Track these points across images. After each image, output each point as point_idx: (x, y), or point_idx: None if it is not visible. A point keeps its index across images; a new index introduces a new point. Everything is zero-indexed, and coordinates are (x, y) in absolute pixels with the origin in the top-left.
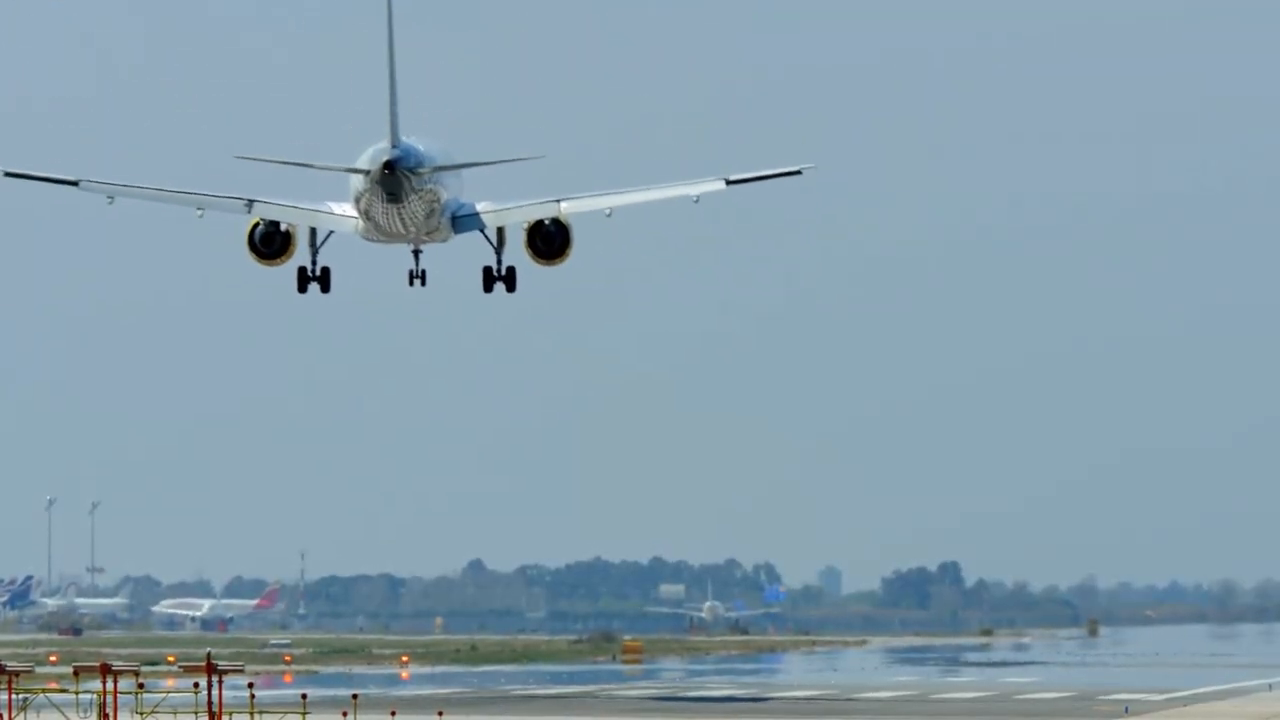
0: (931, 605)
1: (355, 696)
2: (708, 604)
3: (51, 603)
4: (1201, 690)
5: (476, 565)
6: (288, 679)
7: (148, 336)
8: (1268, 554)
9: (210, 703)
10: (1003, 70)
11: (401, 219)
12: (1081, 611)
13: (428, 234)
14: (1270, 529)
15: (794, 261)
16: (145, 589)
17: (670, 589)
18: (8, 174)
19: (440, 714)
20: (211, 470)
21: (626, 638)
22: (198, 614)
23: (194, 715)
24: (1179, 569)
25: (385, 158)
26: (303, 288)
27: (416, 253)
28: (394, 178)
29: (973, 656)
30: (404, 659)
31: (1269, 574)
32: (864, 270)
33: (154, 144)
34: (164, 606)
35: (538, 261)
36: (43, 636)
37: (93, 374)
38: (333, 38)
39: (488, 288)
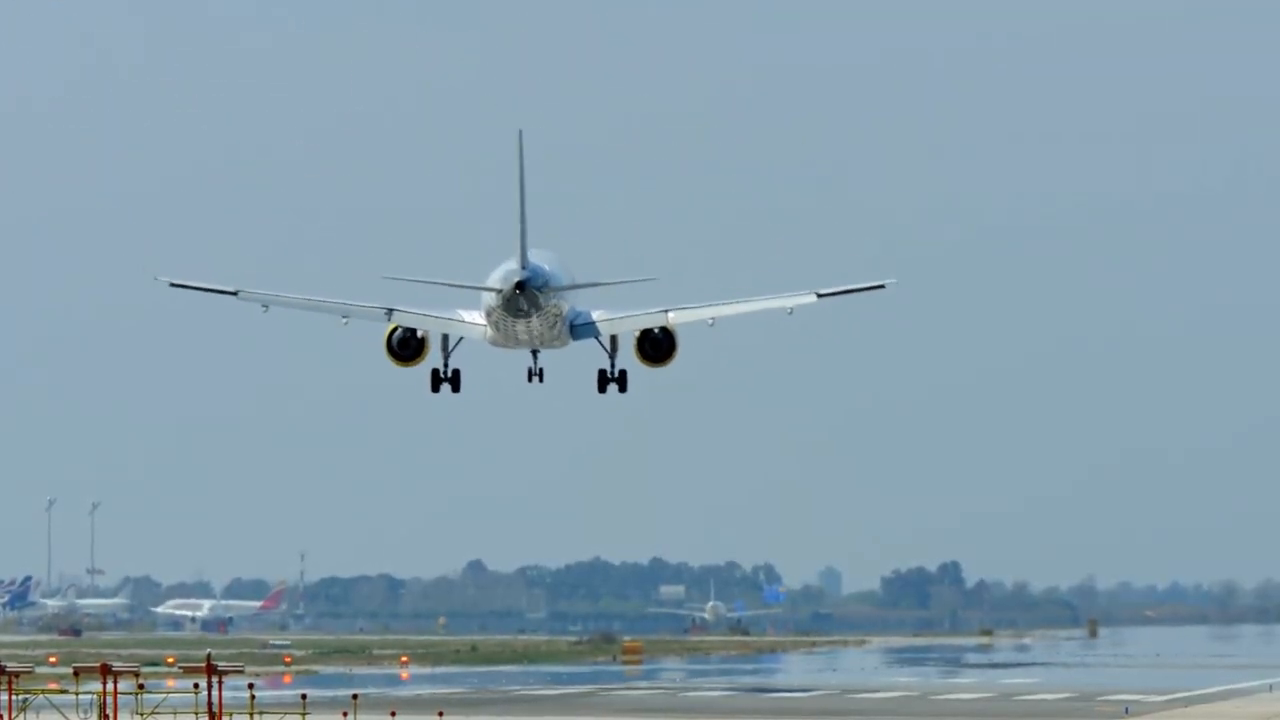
0: (932, 605)
1: (355, 697)
2: (710, 604)
3: (51, 603)
4: (1202, 691)
5: (477, 566)
6: (288, 680)
7: (147, 339)
8: (1268, 555)
9: (210, 703)
10: (1003, 70)
11: (528, 330)
12: (1082, 612)
13: (549, 341)
14: (1271, 530)
15: (785, 256)
16: (145, 590)
17: (670, 590)
18: (172, 284)
19: (440, 714)
20: (211, 472)
21: (626, 638)
22: (197, 614)
23: (194, 716)
24: (1179, 570)
25: (516, 279)
26: (435, 387)
27: (535, 352)
28: (523, 296)
29: (973, 657)
30: (404, 659)
31: (1269, 575)
32: (861, 270)
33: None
34: (167, 607)
35: (646, 364)
36: (43, 637)
37: (92, 376)
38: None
39: (601, 388)
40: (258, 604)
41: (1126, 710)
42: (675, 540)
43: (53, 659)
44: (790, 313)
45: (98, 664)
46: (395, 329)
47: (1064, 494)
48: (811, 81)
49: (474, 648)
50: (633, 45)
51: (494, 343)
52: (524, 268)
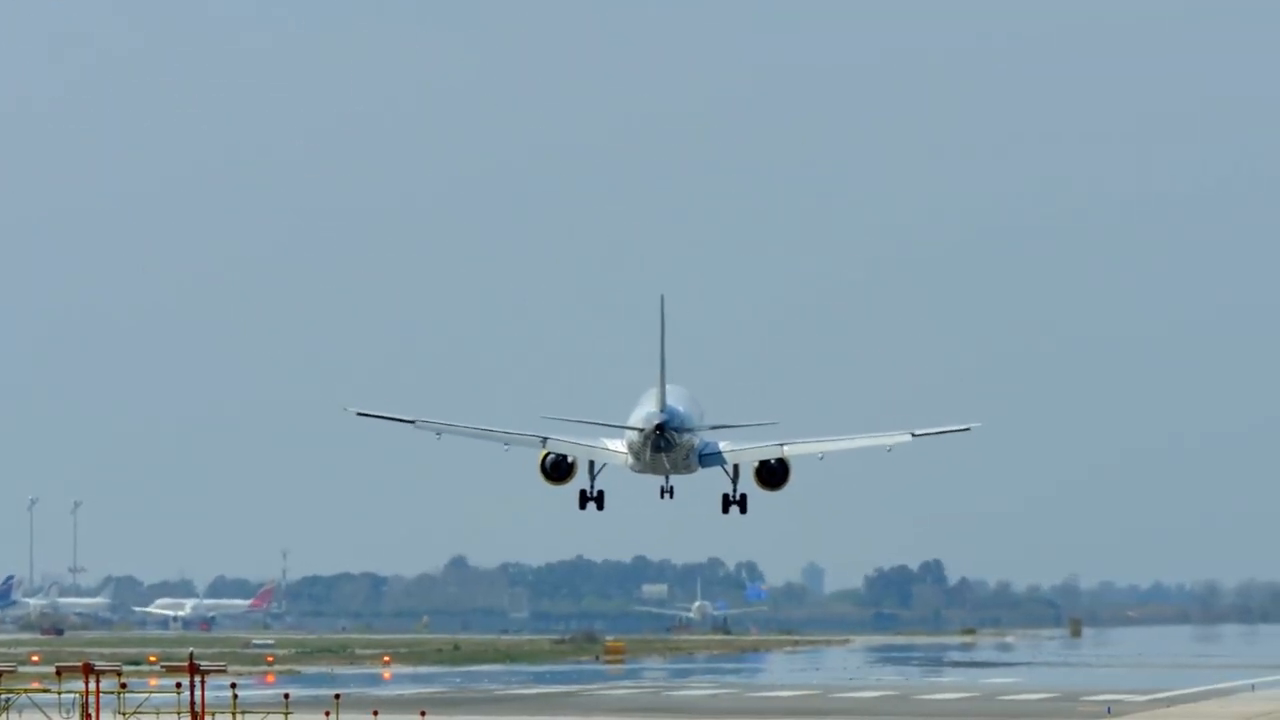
0: (914, 604)
1: (338, 697)
2: (697, 603)
3: (33, 603)
4: (1184, 691)
5: (459, 563)
6: (270, 679)
7: (129, 338)
8: (1250, 555)
9: (192, 703)
10: (1003, 70)
11: (664, 462)
12: (1064, 611)
13: (681, 469)
14: (1253, 530)
15: (784, 257)
16: (127, 589)
17: (653, 588)
18: (359, 414)
19: (423, 714)
20: (193, 470)
21: (609, 638)
22: (179, 613)
23: (176, 715)
24: (1162, 569)
25: (656, 421)
26: (583, 505)
27: (667, 476)
28: (662, 436)
29: (955, 656)
30: (386, 659)
31: (1251, 575)
32: (852, 269)
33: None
34: (157, 606)
35: (763, 488)
36: (25, 636)
37: (74, 374)
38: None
39: (725, 509)
40: (247, 603)
41: (1109, 710)
42: (658, 538)
43: (35, 658)
44: (889, 450)
45: (80, 663)
46: (548, 454)
47: (1047, 493)
48: (812, 82)
49: (456, 647)
50: (651, 55)
51: (634, 469)
52: (663, 410)
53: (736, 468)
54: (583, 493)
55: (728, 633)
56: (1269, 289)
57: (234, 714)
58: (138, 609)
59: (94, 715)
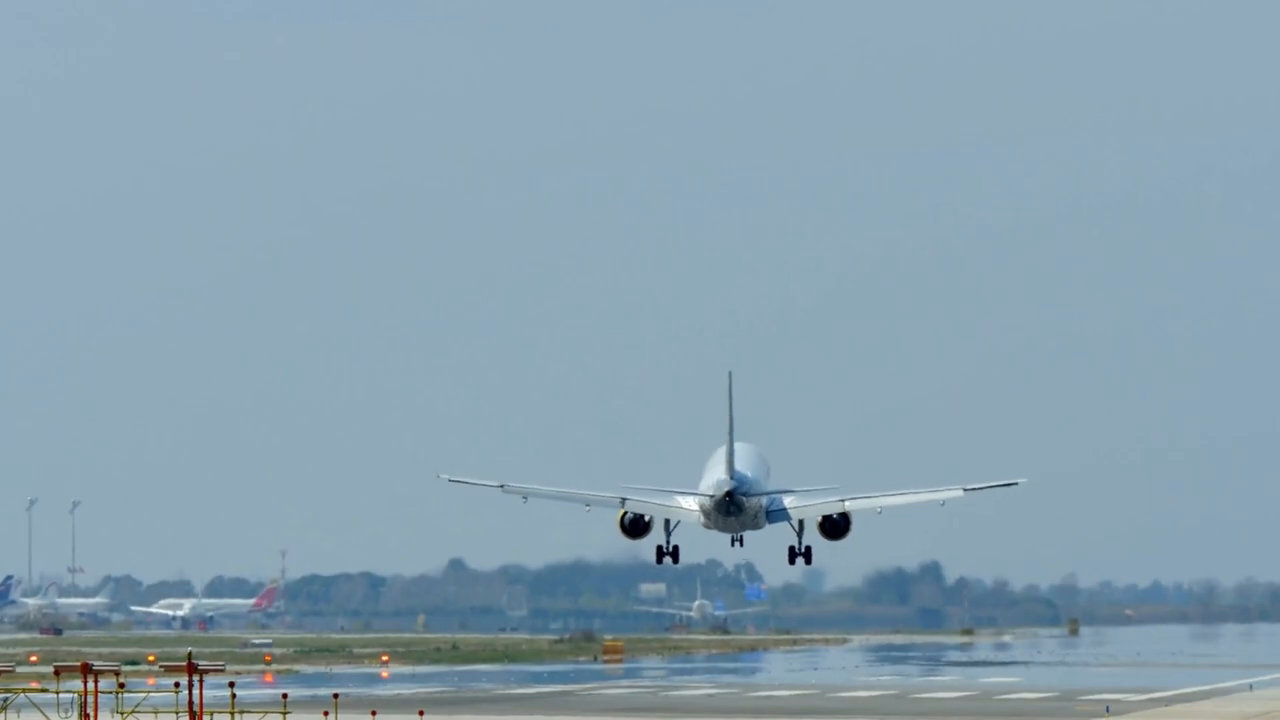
0: (912, 603)
1: (336, 696)
2: (697, 603)
3: (32, 602)
4: (1182, 690)
5: (458, 564)
6: (268, 678)
7: (128, 338)
8: (1248, 554)
9: (191, 702)
10: (1002, 70)
11: (735, 523)
12: (1062, 611)
13: (750, 527)
14: (1251, 529)
15: (774, 263)
16: (126, 589)
17: (651, 588)
18: (450, 480)
19: (421, 714)
20: (192, 470)
21: (607, 637)
22: (178, 613)
23: (175, 715)
24: (1160, 569)
25: (726, 489)
26: (659, 560)
27: (737, 531)
28: (731, 501)
29: (954, 655)
30: (385, 658)
31: (1250, 574)
32: (846, 270)
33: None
34: (160, 606)
35: (826, 539)
36: (23, 636)
37: (73, 375)
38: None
39: (791, 560)
40: (250, 602)
41: (1107, 709)
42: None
43: (33, 658)
44: (942, 504)
45: (79, 663)
46: (626, 514)
47: (1045, 492)
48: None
49: (455, 646)
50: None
51: (706, 526)
52: (732, 478)
53: (801, 522)
54: (659, 548)
55: (726, 632)
56: (1270, 291)
57: (232, 713)
58: (136, 608)
59: (92, 715)
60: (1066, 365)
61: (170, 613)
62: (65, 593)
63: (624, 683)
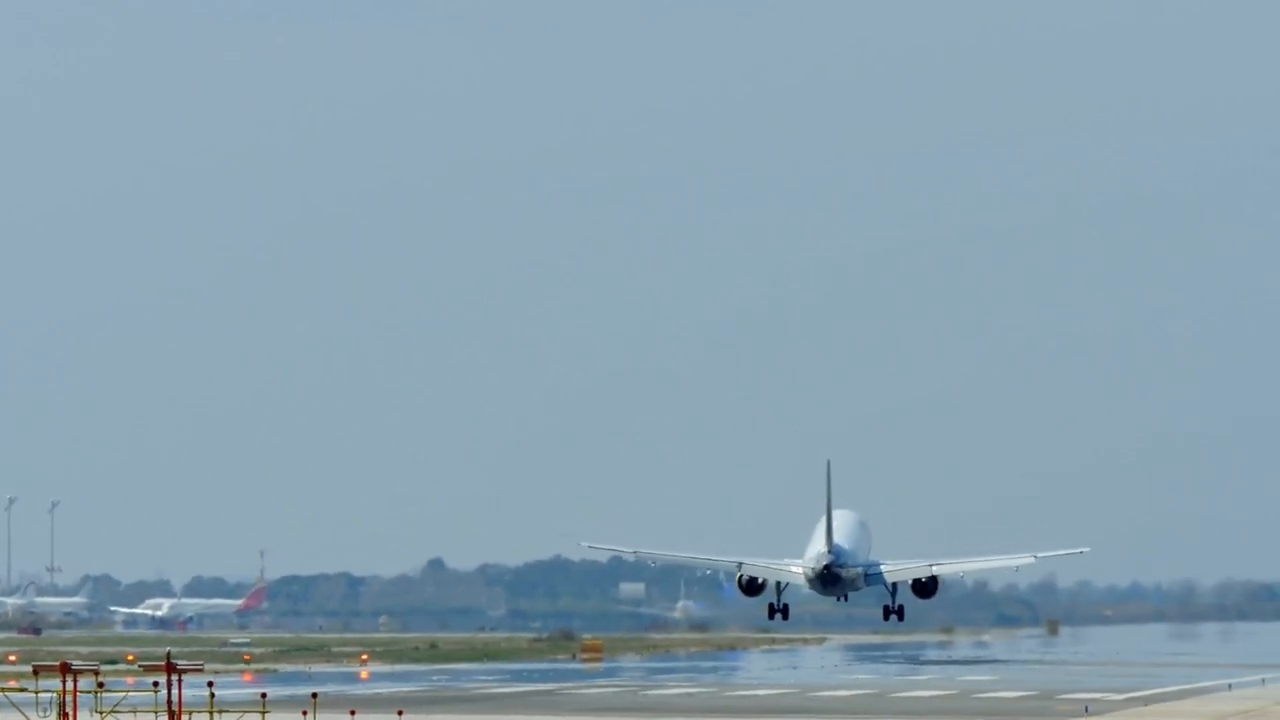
0: (852, 595)
1: (315, 696)
2: (681, 603)
3: (11, 602)
4: (1162, 690)
5: (437, 564)
6: (248, 678)
7: (106, 337)
8: (1228, 554)
9: (170, 702)
10: (1001, 70)
11: (835, 588)
12: (1041, 610)
13: (850, 590)
14: (1231, 529)
15: (761, 257)
16: (105, 588)
17: (630, 587)
18: (590, 546)
19: (400, 713)
20: (171, 469)
21: (586, 636)
22: (158, 613)
23: (154, 714)
24: (1139, 568)
25: (825, 562)
26: (771, 616)
27: (838, 594)
28: (830, 571)
29: (933, 654)
30: (364, 657)
31: (1229, 574)
32: (828, 274)
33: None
34: (145, 607)
35: (918, 598)
36: (2, 635)
37: (52, 373)
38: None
39: (885, 618)
40: (236, 602)
41: (1086, 709)
42: (635, 538)
43: (12, 657)
44: (1016, 570)
45: (58, 662)
46: (742, 576)
47: (1024, 493)
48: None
49: (434, 645)
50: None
51: (811, 590)
52: (830, 551)
53: (895, 585)
54: (771, 605)
55: (704, 631)
56: (1260, 291)
57: (211, 713)
58: (115, 608)
59: (71, 714)
60: (1047, 367)
61: (151, 612)
62: (44, 592)
63: (603, 681)
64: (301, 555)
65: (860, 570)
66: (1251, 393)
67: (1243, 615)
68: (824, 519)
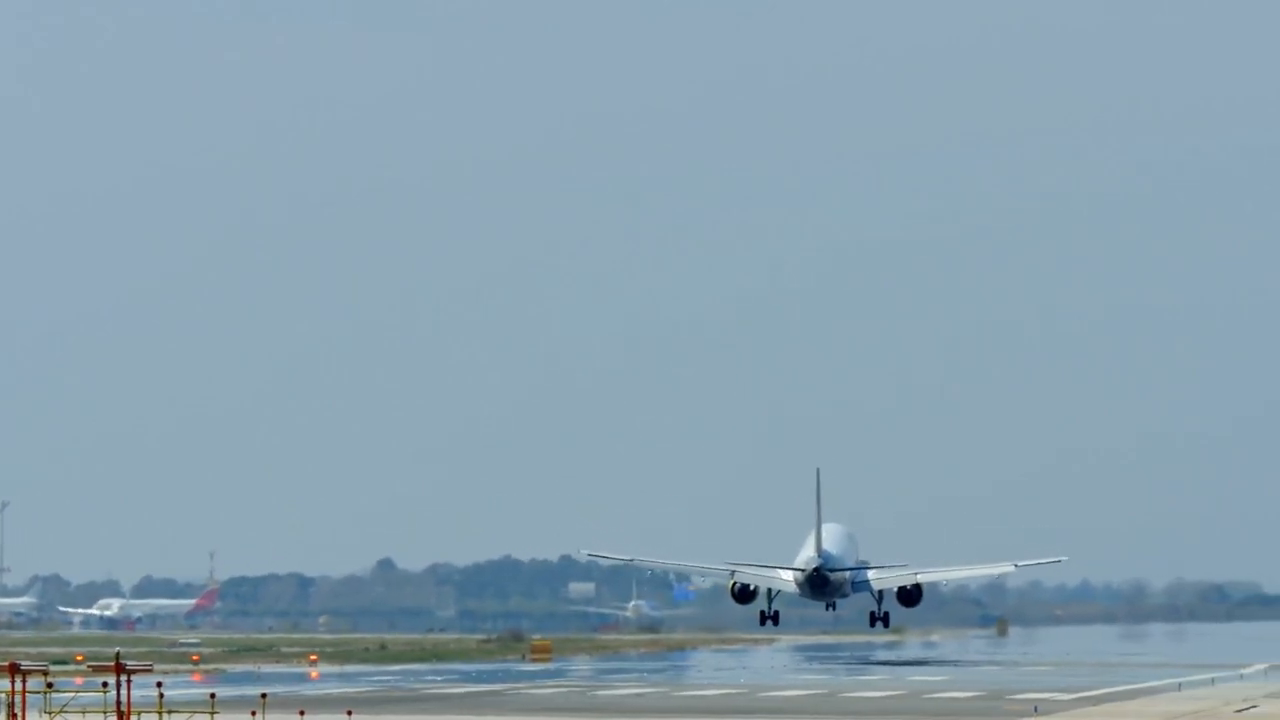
0: (841, 603)
1: (264, 696)
2: (633, 603)
3: None
4: (1111, 690)
5: (386, 564)
6: (197, 678)
7: (53, 338)
8: (1177, 554)
9: (119, 702)
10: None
11: (824, 593)
12: (991, 610)
13: (837, 596)
14: (1180, 529)
15: (745, 254)
16: (54, 588)
17: (580, 587)
18: (590, 555)
19: (349, 713)
20: (121, 470)
21: (535, 636)
22: (108, 613)
23: (103, 715)
24: (1089, 568)
25: (814, 565)
26: (762, 623)
27: (827, 600)
28: (818, 575)
29: (883, 655)
30: (313, 658)
31: (1179, 574)
32: (782, 277)
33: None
34: (98, 607)
35: (903, 606)
36: None
37: (1, 374)
38: None
39: (871, 624)
40: (190, 602)
41: (1036, 709)
42: (585, 538)
43: None
44: (996, 577)
45: (6, 663)
46: (735, 583)
47: (974, 493)
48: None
49: (383, 646)
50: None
51: (801, 596)
52: (819, 555)
53: (881, 593)
54: (762, 612)
55: (654, 631)
56: (1217, 293)
57: (160, 713)
58: (64, 609)
59: (20, 714)
60: (990, 366)
61: (100, 613)
62: None
63: (552, 682)
64: (251, 556)
65: (847, 576)
66: (1204, 396)
67: (1193, 615)
68: (814, 528)
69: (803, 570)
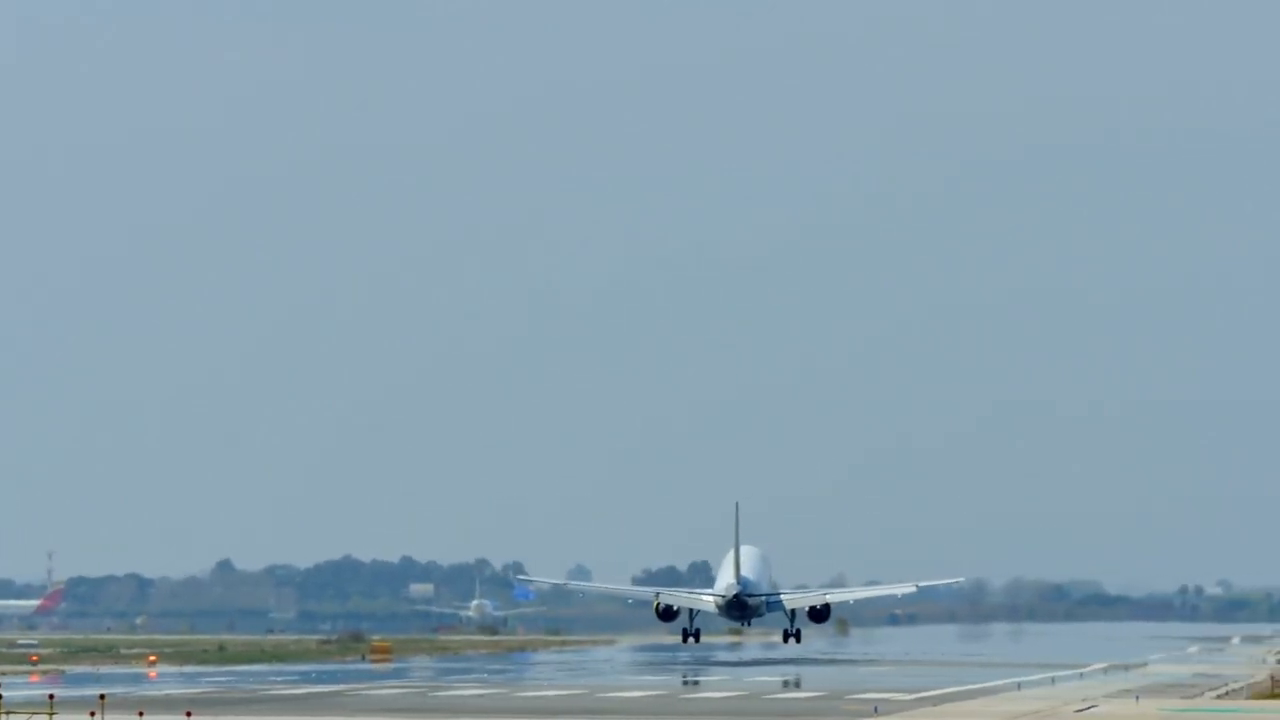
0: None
1: (103, 697)
2: (475, 602)
3: None
4: (951, 689)
5: (225, 565)
6: (35, 679)
7: None
8: (1017, 553)
9: None
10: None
11: (741, 614)
12: (834, 609)
13: (754, 617)
14: (1019, 527)
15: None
16: None
17: (420, 588)
18: (521, 579)
19: (189, 714)
20: None
21: (375, 637)
22: None
23: None
24: (929, 568)
25: (734, 591)
26: (685, 640)
27: (744, 620)
28: (737, 600)
29: (723, 656)
30: (152, 659)
31: (1019, 573)
32: (617, 277)
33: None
34: None
35: (812, 623)
36: None
37: None
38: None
39: (785, 640)
40: (33, 603)
41: (876, 709)
42: (424, 538)
43: None
44: (899, 597)
45: None
46: (659, 604)
47: (813, 492)
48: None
49: (221, 647)
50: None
51: (720, 615)
52: (738, 582)
53: (794, 612)
54: (685, 630)
55: (494, 632)
56: (1054, 279)
57: None
58: None
59: None
60: (829, 366)
61: None
62: None
63: (392, 683)
64: (90, 557)
65: (763, 599)
66: (1040, 395)
67: (1032, 615)
68: (732, 554)
69: (724, 595)
